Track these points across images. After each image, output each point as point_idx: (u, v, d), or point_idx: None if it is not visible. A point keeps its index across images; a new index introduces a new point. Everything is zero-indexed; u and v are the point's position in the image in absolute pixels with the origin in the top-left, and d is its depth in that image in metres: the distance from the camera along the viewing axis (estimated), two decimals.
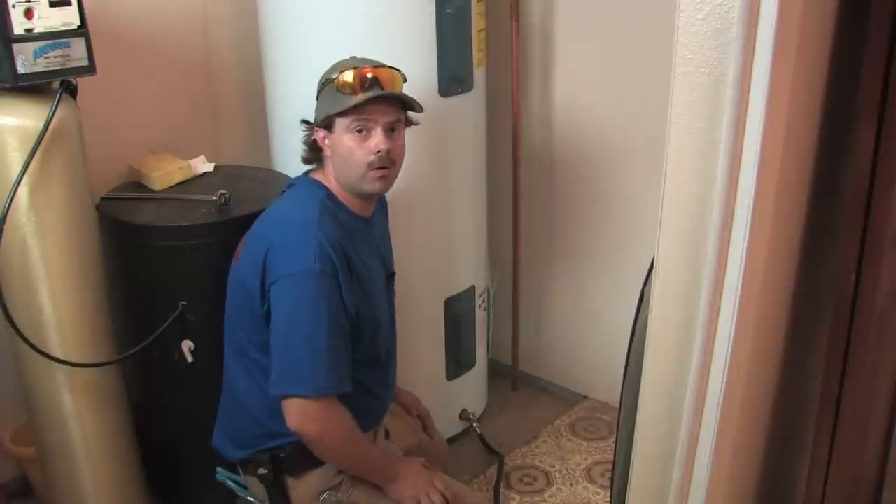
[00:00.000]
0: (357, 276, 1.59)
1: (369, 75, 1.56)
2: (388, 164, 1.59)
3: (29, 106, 1.68)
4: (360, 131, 1.56)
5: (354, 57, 1.66)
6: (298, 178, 1.72)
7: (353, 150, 1.57)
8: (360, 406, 1.61)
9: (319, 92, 1.64)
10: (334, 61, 1.65)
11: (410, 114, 1.66)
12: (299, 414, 1.52)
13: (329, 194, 1.63)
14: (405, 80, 1.65)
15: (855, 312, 1.05)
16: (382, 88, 1.57)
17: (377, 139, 1.57)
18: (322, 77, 1.64)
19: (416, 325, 2.32)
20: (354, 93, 1.55)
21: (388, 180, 1.62)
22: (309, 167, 1.71)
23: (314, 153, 1.67)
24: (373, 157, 1.57)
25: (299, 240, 1.54)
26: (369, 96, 1.55)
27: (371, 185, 1.60)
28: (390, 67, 1.61)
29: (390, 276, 1.82)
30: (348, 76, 1.56)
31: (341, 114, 1.56)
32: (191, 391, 1.97)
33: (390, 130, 1.59)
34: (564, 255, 2.72)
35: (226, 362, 1.71)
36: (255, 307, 1.56)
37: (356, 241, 1.62)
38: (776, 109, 0.95)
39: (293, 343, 1.52)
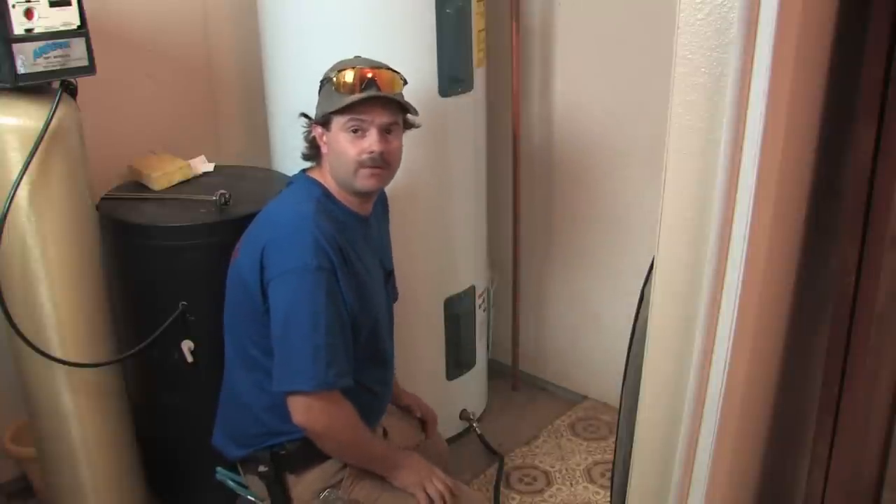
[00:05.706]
0: (354, 274, 1.59)
1: (368, 76, 1.57)
2: (381, 164, 1.60)
3: (29, 106, 1.68)
4: (355, 131, 1.58)
5: (358, 56, 1.66)
6: (296, 175, 1.73)
7: (347, 148, 1.58)
8: (358, 404, 1.61)
9: (320, 89, 1.64)
10: (334, 61, 1.65)
11: (410, 117, 1.66)
12: (304, 410, 1.53)
13: (325, 192, 1.64)
14: (405, 83, 1.65)
15: (855, 312, 1.05)
16: (379, 90, 1.57)
17: (371, 140, 1.58)
18: (324, 75, 1.64)
19: (416, 325, 2.32)
20: (352, 93, 1.56)
21: (380, 178, 1.63)
22: (307, 165, 1.71)
23: (313, 150, 1.68)
24: (365, 156, 1.58)
25: (295, 236, 1.54)
26: (363, 96, 1.56)
27: (362, 183, 1.61)
28: (391, 70, 1.62)
29: (388, 274, 1.82)
30: (347, 76, 1.57)
31: (337, 112, 1.57)
32: (191, 391, 1.97)
33: (386, 132, 1.60)
34: (564, 255, 2.72)
35: (227, 361, 1.71)
36: (256, 305, 1.57)
37: (353, 239, 1.62)
38: (776, 109, 0.95)
39: (292, 339, 1.52)
